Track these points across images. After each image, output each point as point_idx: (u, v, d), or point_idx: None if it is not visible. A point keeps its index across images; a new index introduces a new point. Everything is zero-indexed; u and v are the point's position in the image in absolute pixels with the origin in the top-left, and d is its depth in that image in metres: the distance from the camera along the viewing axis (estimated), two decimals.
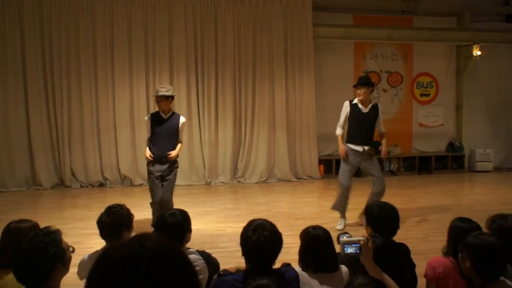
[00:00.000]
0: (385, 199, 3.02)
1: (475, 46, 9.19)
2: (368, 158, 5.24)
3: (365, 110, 5.17)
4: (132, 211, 2.81)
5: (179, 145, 5.02)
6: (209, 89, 8.18)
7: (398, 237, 2.78)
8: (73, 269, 2.24)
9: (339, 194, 5.36)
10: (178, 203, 6.17)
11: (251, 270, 2.04)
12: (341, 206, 5.33)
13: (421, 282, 2.60)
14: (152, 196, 4.93)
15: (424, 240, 4.73)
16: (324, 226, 2.50)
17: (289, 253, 2.52)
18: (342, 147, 5.24)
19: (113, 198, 6.75)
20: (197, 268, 2.33)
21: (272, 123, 8.42)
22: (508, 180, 8.28)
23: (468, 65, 9.51)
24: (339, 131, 5.30)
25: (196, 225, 5.07)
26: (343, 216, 5.31)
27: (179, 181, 8.06)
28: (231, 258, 3.43)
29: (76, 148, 7.79)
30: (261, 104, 8.36)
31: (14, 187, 7.50)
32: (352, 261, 2.38)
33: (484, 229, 2.54)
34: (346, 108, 5.26)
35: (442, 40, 9.32)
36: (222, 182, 8.23)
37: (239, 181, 8.34)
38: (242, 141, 8.38)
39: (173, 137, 4.98)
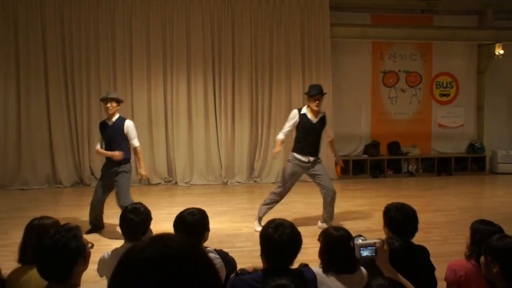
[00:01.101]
0: (403, 200, 2.95)
1: (497, 45, 8.98)
2: (314, 171, 5.19)
3: (314, 120, 5.11)
4: (150, 210, 2.84)
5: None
6: (226, 89, 8.21)
7: (417, 239, 2.74)
8: (92, 266, 2.28)
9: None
10: (195, 202, 6.22)
11: (270, 269, 2.04)
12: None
13: (441, 286, 2.56)
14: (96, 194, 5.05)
15: (443, 243, 4.65)
16: (341, 226, 2.49)
17: (306, 254, 2.51)
18: (278, 149, 5.21)
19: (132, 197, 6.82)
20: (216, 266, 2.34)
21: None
22: None
23: (490, 64, 9.30)
24: (281, 136, 5.22)
25: (213, 225, 5.08)
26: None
27: (195, 180, 8.18)
28: (248, 258, 3.44)
29: (95, 147, 7.89)
30: (277, 104, 8.35)
31: (35, 185, 7.67)
32: (368, 262, 2.35)
33: (507, 231, 2.48)
34: (294, 117, 5.15)
35: (463, 39, 9.14)
36: (239, 182, 8.25)
37: (255, 181, 8.34)
38: (259, 141, 8.38)
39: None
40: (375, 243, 2.09)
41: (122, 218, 2.65)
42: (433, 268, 2.58)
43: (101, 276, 2.73)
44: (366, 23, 8.91)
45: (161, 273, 0.78)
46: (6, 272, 2.31)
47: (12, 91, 7.65)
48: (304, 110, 5.14)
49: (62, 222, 2.36)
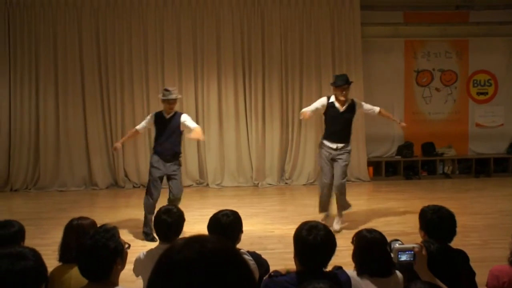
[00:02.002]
0: (439, 202, 2.86)
1: None
2: (337, 158, 5.25)
3: (341, 109, 5.21)
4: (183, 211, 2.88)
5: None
6: (256, 91, 8.24)
7: (455, 244, 2.65)
8: (128, 266, 2.34)
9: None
10: (226, 204, 6.24)
11: (304, 272, 2.02)
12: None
13: None
14: (152, 192, 5.14)
15: (483, 247, 4.48)
16: (376, 229, 2.44)
17: (339, 256, 2.47)
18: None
19: (164, 198, 6.94)
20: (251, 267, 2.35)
21: (320, 125, 8.29)
22: None
23: None
24: (305, 109, 5.39)
25: (244, 227, 5.10)
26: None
27: (226, 182, 8.24)
28: (280, 260, 3.43)
29: (128, 150, 8.12)
30: (308, 105, 8.24)
31: (73, 187, 7.95)
32: (406, 266, 2.29)
33: None
34: (321, 103, 5.30)
35: (502, 34, 8.79)
36: (270, 184, 8.24)
37: (286, 183, 8.32)
38: (289, 142, 8.36)
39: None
40: (413, 247, 2.04)
41: (156, 219, 2.71)
42: (473, 273, 2.49)
43: (137, 276, 2.79)
44: (399, 21, 8.72)
45: (199, 274, 0.79)
46: (48, 270, 2.40)
47: (51, 98, 7.97)
48: (332, 98, 5.25)
49: (98, 223, 2.43)
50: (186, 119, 5.21)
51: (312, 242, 1.99)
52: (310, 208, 6.40)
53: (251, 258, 2.42)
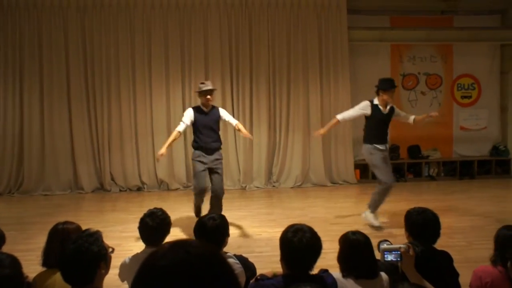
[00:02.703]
0: (424, 204, 2.92)
1: None
2: (388, 158, 5.50)
3: (385, 111, 5.40)
4: (169, 214, 2.86)
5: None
6: (243, 94, 8.24)
7: (440, 245, 2.68)
8: (113, 271, 2.31)
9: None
10: None
11: (290, 275, 2.03)
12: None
13: None
14: (198, 184, 5.13)
15: (468, 248, 4.54)
16: (361, 231, 2.46)
17: (326, 259, 2.48)
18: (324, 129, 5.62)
19: (151, 202, 6.91)
20: (235, 272, 2.34)
21: (307, 128, 8.36)
22: None
23: None
24: (340, 117, 5.55)
25: (232, 230, 5.09)
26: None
27: None
28: (267, 263, 3.43)
29: (115, 153, 8.05)
30: (295, 108, 8.33)
31: (58, 191, 7.83)
32: (392, 268, 2.31)
33: None
34: (366, 108, 5.41)
35: (485, 39, 8.95)
36: (257, 187, 8.25)
37: (274, 186, 8.33)
38: (277, 145, 8.38)
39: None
40: (399, 248, 2.06)
41: (140, 222, 2.69)
42: (457, 274, 2.53)
43: (122, 281, 2.76)
44: (385, 25, 8.82)
45: (182, 279, 0.78)
46: (31, 276, 2.36)
47: (36, 100, 7.85)
48: (376, 101, 5.41)
49: (84, 227, 2.40)
50: (225, 113, 5.36)
51: (297, 244, 2.00)
52: (297, 211, 6.43)
53: (237, 262, 2.41)
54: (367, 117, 5.43)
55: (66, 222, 2.54)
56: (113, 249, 2.06)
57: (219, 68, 8.15)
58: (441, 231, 2.63)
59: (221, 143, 5.38)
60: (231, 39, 8.18)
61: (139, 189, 8.12)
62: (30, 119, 7.86)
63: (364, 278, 2.17)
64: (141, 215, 2.79)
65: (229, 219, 5.60)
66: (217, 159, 5.21)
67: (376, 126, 5.37)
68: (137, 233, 2.79)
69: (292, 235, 2.03)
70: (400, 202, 6.50)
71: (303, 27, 8.28)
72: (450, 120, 9.36)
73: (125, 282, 2.72)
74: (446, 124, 9.32)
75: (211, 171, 5.20)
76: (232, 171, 8.27)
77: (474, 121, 9.37)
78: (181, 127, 5.30)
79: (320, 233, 3.99)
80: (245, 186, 8.22)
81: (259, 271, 2.65)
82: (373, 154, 5.39)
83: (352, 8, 8.53)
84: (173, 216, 5.64)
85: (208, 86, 5.24)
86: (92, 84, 7.98)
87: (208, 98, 5.17)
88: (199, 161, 5.15)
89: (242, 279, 2.37)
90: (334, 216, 6.03)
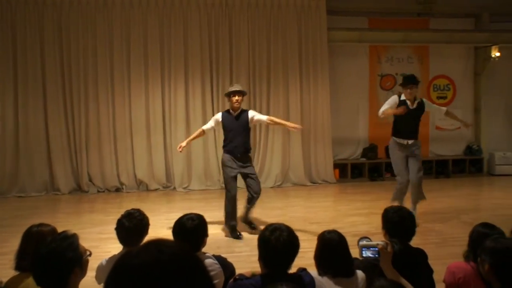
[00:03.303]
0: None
1: (493, 47, 9.03)
2: (411, 153, 5.49)
3: (412, 106, 5.43)
4: (148, 216, 2.84)
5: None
6: (223, 93, 8.21)
7: (416, 242, 2.74)
8: (91, 273, 2.27)
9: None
10: (194, 207, 6.21)
11: (268, 274, 2.04)
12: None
13: None
14: (229, 190, 5.13)
15: (442, 245, 4.65)
16: (340, 230, 2.49)
17: (304, 258, 2.50)
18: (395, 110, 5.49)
19: (130, 203, 6.82)
20: (213, 272, 2.34)
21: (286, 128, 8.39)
22: None
23: (486, 67, 9.35)
24: (380, 112, 5.60)
25: (211, 230, 5.08)
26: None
27: (194, 185, 8.18)
28: (247, 263, 3.44)
29: (93, 153, 7.92)
30: (275, 108, 8.36)
31: (33, 192, 7.65)
32: (369, 266, 2.35)
33: (508, 235, 2.50)
34: (395, 101, 5.52)
35: (460, 41, 9.19)
36: (238, 187, 8.22)
37: None
38: (257, 145, 8.39)
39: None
40: (377, 244, 2.10)
41: (117, 223, 2.65)
42: (431, 271, 2.59)
43: (99, 283, 2.72)
44: (363, 27, 8.95)
45: (154, 279, 0.78)
46: (4, 280, 2.30)
47: (10, 99, 7.65)
48: (403, 96, 5.49)
49: (60, 230, 2.35)
50: (254, 113, 5.28)
51: (274, 243, 2.01)
52: (277, 210, 6.45)
53: (216, 262, 2.41)
54: None
55: (40, 224, 2.48)
56: (90, 253, 2.02)
57: (199, 67, 8.11)
58: (417, 229, 2.69)
59: (250, 148, 5.33)
60: (211, 38, 8.15)
61: (117, 189, 8.00)
62: (4, 118, 7.65)
63: (340, 276, 2.20)
64: (119, 216, 2.76)
65: (209, 219, 5.55)
66: (246, 164, 5.16)
67: (399, 120, 5.43)
68: (115, 235, 2.75)
69: (269, 234, 2.05)
70: (378, 201, 6.60)
71: (283, 27, 8.32)
72: (426, 120, 9.52)
73: (102, 284, 2.68)
74: (422, 124, 9.42)
75: (245, 175, 5.16)
76: (212, 171, 8.24)
77: (449, 122, 9.57)
78: (206, 126, 5.35)
79: (299, 233, 4.01)
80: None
81: (238, 271, 2.65)
82: (392, 149, 5.55)
83: (331, 9, 8.62)
84: (152, 217, 5.57)
85: (236, 87, 5.18)
86: (69, 83, 7.83)
87: (235, 100, 5.06)
88: (229, 167, 5.11)
89: (221, 279, 2.37)
90: (314, 216, 6.08)
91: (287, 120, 8.39)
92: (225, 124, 5.18)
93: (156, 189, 8.06)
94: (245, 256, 4.11)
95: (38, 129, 7.73)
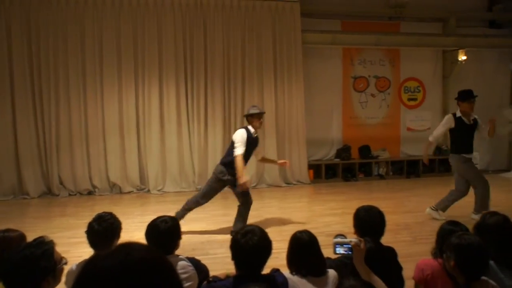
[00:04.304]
0: (374, 202, 3.06)
1: (460, 51, 9.36)
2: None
3: (469, 122, 5.65)
4: (122, 219, 2.79)
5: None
6: (198, 95, 8.19)
7: (388, 241, 2.81)
8: (62, 278, 2.22)
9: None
10: (168, 210, 6.14)
11: (241, 276, 2.05)
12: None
13: (409, 284, 2.63)
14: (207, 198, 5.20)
15: (412, 243, 4.77)
16: (314, 230, 2.52)
17: (279, 258, 2.53)
18: (425, 154, 5.90)
19: (102, 206, 6.69)
20: (187, 275, 2.33)
21: (262, 129, 8.40)
22: (494, 182, 8.36)
23: (453, 70, 9.66)
24: (431, 139, 5.88)
25: (186, 232, 5.06)
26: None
27: (168, 187, 8.10)
28: (222, 265, 3.43)
29: (64, 156, 7.72)
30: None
31: (0, 196, 7.39)
32: (341, 265, 2.40)
33: (472, 231, 2.59)
34: (450, 122, 5.66)
35: (429, 45, 9.46)
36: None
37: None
38: None
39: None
40: (350, 241, 2.14)
41: (87, 227, 2.60)
42: (400, 268, 2.66)
43: None
44: (337, 29, 9.10)
45: (121, 283, 0.78)
46: None
47: None
48: (459, 114, 5.64)
49: (29, 235, 2.29)
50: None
51: (244, 246, 2.03)
52: (252, 211, 6.43)
53: (190, 264, 2.40)
54: (451, 129, 5.68)
55: (7, 230, 2.41)
56: (66, 261, 1.97)
57: (173, 68, 8.04)
58: (389, 228, 2.76)
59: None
60: (186, 39, 8.10)
61: (90, 193, 7.84)
62: None
63: (312, 275, 2.24)
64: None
65: (184, 222, 5.50)
66: (234, 181, 5.09)
67: (460, 137, 5.61)
68: (86, 239, 2.70)
69: (240, 237, 2.07)
70: (351, 201, 6.73)
71: (258, 29, 8.36)
72: (397, 121, 9.81)
73: None
74: (394, 125, 9.77)
75: (233, 186, 5.14)
76: (187, 172, 8.19)
77: (419, 122, 9.89)
78: (241, 151, 4.94)
79: (274, 233, 4.03)
80: (200, 188, 8.15)
81: (213, 273, 2.65)
82: (464, 164, 5.64)
83: (305, 11, 8.73)
84: (126, 220, 5.49)
85: (262, 109, 5.23)
86: (39, 83, 7.61)
87: (261, 122, 5.16)
88: (224, 180, 5.10)
89: (195, 282, 2.36)
90: (289, 216, 6.13)
91: (263, 121, 8.46)
92: (249, 142, 5.05)
93: (130, 192, 7.94)
94: (220, 258, 4.10)
95: (5, 130, 7.48)
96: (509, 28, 9.95)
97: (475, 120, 5.71)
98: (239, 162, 4.86)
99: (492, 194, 5.77)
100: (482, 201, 5.63)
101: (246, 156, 5.04)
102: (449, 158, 5.86)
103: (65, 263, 1.94)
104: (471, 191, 5.73)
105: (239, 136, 4.95)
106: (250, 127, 5.10)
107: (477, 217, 5.55)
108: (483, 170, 9.69)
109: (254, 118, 5.08)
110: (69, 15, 7.63)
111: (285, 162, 5.69)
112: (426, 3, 9.41)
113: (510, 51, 10.00)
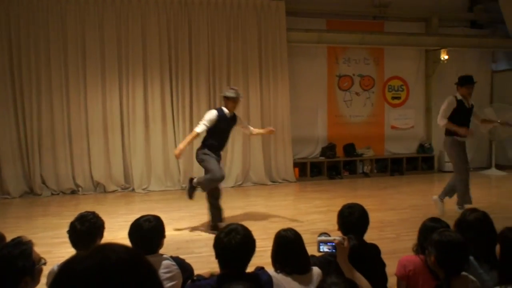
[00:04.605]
0: (359, 200, 3.10)
1: (442, 50, 9.51)
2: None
3: (468, 106, 5.68)
4: (106, 218, 2.76)
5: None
6: (183, 94, 8.14)
7: (372, 238, 2.85)
8: (44, 279, 2.19)
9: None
10: (153, 209, 6.10)
11: (225, 274, 2.05)
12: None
13: (392, 281, 2.67)
14: (216, 172, 5.06)
15: (396, 240, 4.83)
16: (299, 228, 2.54)
17: (264, 257, 2.53)
18: (461, 129, 5.61)
19: (86, 205, 6.61)
20: (171, 274, 2.32)
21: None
22: (475, 179, 8.55)
23: (436, 69, 9.82)
24: (444, 121, 5.66)
25: (171, 231, 5.04)
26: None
27: (153, 186, 8.04)
28: (206, 263, 3.42)
29: (46, 155, 7.59)
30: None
31: None
32: (325, 263, 2.42)
33: (453, 228, 2.65)
34: (453, 103, 5.62)
35: (412, 44, 9.59)
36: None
37: None
38: None
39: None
40: (334, 239, 2.15)
41: (69, 226, 2.57)
42: (383, 265, 2.70)
43: None
44: (322, 28, 9.14)
45: (97, 286, 0.76)
46: None
47: None
48: (459, 96, 5.63)
49: (9, 235, 2.25)
50: (242, 121, 5.49)
51: (227, 244, 2.03)
52: (238, 210, 6.46)
53: (174, 263, 2.39)
54: (453, 111, 5.66)
55: None
56: (45, 261, 1.94)
57: (158, 66, 7.98)
58: (373, 225, 2.79)
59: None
60: (170, 37, 8.04)
61: (73, 192, 7.73)
62: None
63: (296, 273, 2.25)
64: None
65: (169, 220, 5.47)
66: (220, 156, 5.34)
67: (458, 119, 5.58)
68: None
69: (224, 236, 2.07)
70: (336, 199, 6.78)
71: (243, 27, 8.34)
72: (381, 119, 9.92)
73: None
74: (378, 123, 9.88)
75: None
76: (172, 171, 8.14)
77: (403, 121, 10.02)
78: (200, 129, 5.09)
79: (259, 232, 4.03)
80: (186, 187, 8.11)
81: (198, 272, 2.64)
82: (454, 146, 5.69)
83: (291, 10, 8.75)
84: (110, 219, 5.43)
85: (237, 93, 5.24)
86: (19, 81, 7.46)
87: (235, 106, 5.19)
88: (211, 156, 5.15)
89: (179, 281, 2.35)
90: (274, 214, 6.14)
91: (247, 119, 8.46)
92: (218, 124, 5.16)
93: (114, 191, 7.85)
94: (205, 257, 4.09)
95: None
96: (490, 28, 10.16)
97: (472, 105, 5.78)
98: (190, 136, 5.20)
99: (473, 191, 5.87)
100: (450, 189, 5.77)
101: (221, 135, 5.21)
102: (443, 141, 5.91)
103: (44, 264, 1.91)
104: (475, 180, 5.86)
105: (206, 115, 5.18)
106: (224, 108, 5.23)
107: (441, 203, 5.74)
108: None
109: (229, 100, 5.20)
110: (51, 11, 7.50)
111: (271, 130, 5.82)
112: (410, 3, 9.53)
113: (491, 51, 10.21)
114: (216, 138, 5.19)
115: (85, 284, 0.76)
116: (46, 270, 2.35)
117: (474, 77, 5.82)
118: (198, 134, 5.12)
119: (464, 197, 5.69)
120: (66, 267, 0.81)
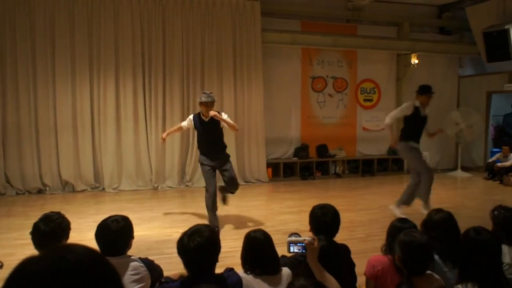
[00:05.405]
0: (331, 200, 3.13)
1: (413, 55, 9.75)
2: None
3: (423, 114, 5.86)
4: (74, 218, 2.69)
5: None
6: (156, 92, 8.01)
7: (342, 238, 2.87)
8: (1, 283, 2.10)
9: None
10: (124, 209, 5.99)
11: (193, 276, 2.02)
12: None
13: (361, 280, 2.71)
14: (207, 188, 5.21)
15: (365, 240, 4.91)
16: (271, 229, 2.55)
17: (236, 257, 2.52)
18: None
19: (53, 205, 6.41)
20: (139, 276, 2.27)
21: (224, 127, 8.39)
22: (442, 180, 8.83)
23: (406, 72, 10.06)
24: (389, 121, 5.86)
25: (142, 231, 4.95)
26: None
27: (124, 186, 7.88)
28: (177, 264, 3.37)
29: (11, 152, 7.32)
30: None
31: None
32: (296, 263, 2.42)
33: (420, 228, 2.71)
34: (409, 108, 5.81)
35: (384, 48, 9.79)
36: (170, 187, 8.08)
37: (187, 185, 8.23)
38: (190, 144, 8.29)
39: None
40: (304, 240, 2.16)
41: (32, 227, 2.48)
42: (353, 265, 2.73)
43: None
44: (296, 29, 9.21)
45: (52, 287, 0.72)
46: None
47: None
48: (417, 104, 5.83)
49: None
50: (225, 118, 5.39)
51: (187, 246, 2.01)
52: None
53: (142, 265, 2.34)
54: (407, 117, 5.86)
55: None
56: (2, 265, 1.85)
57: (130, 64, 7.83)
58: (344, 225, 2.82)
59: (224, 146, 5.41)
60: (144, 34, 7.91)
61: (40, 191, 7.48)
62: None
63: (266, 274, 2.25)
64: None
65: (140, 220, 5.39)
66: (222, 161, 5.29)
67: (413, 125, 5.81)
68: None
69: (186, 238, 2.05)
70: (308, 200, 6.84)
71: (218, 26, 8.30)
72: (354, 121, 10.08)
73: None
74: (350, 125, 10.03)
75: (221, 171, 5.33)
76: (143, 170, 8.01)
77: (374, 123, 10.21)
78: (183, 123, 5.51)
79: (231, 232, 4.01)
80: (157, 186, 8.01)
81: (168, 273, 2.61)
82: (411, 150, 5.83)
83: (266, 11, 8.76)
84: (79, 219, 5.30)
85: (209, 98, 5.20)
86: None
87: (208, 109, 5.16)
88: (205, 164, 5.24)
89: (147, 283, 2.31)
90: (246, 215, 6.14)
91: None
92: (197, 128, 5.35)
93: (83, 190, 7.65)
94: (176, 258, 4.00)
95: None
96: (457, 35, 10.50)
97: (427, 115, 5.97)
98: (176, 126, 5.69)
99: (439, 192, 6.05)
100: (410, 192, 5.89)
101: (204, 140, 5.31)
102: (398, 146, 6.06)
103: (1, 267, 1.83)
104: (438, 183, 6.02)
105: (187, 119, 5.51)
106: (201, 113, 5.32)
107: (398, 210, 5.82)
108: (433, 169, 10.17)
109: (201, 105, 5.25)
110: (18, 6, 7.22)
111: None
112: (382, 8, 9.73)
113: (458, 56, 10.56)
114: (201, 143, 5.37)
115: (36, 287, 0.72)
116: (4, 273, 2.25)
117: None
118: (181, 128, 5.59)
119: (415, 197, 5.89)
120: (19, 269, 0.76)
